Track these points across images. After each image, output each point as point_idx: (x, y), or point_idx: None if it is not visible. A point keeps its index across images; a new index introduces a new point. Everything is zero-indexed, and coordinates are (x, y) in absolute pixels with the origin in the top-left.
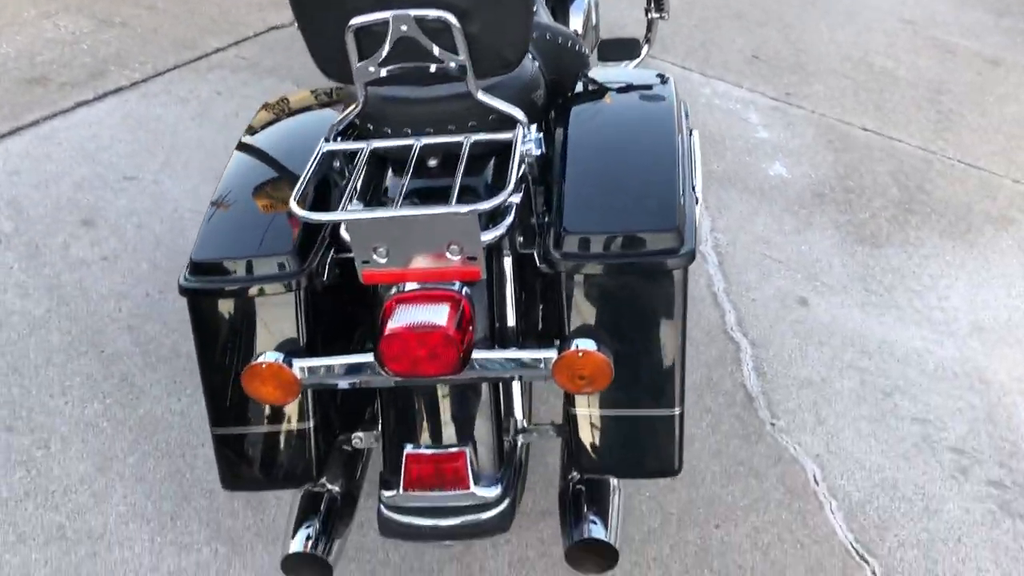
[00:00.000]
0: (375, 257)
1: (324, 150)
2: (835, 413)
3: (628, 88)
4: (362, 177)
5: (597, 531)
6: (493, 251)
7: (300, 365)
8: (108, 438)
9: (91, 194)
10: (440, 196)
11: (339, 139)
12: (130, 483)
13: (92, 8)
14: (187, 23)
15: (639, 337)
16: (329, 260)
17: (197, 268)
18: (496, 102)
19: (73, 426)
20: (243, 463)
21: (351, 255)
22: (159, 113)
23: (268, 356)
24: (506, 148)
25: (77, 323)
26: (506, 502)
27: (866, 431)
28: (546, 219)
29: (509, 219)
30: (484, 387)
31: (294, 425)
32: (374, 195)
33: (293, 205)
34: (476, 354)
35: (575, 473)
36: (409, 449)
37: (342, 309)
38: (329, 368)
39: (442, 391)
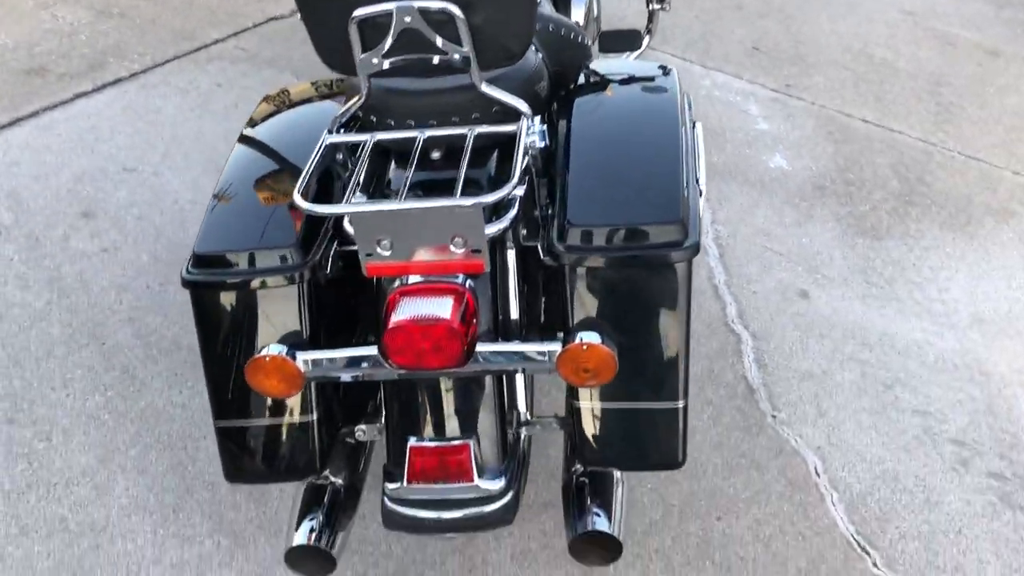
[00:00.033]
0: (379, 250)
1: (327, 142)
2: (836, 405)
3: (631, 80)
4: (365, 169)
5: (601, 523)
6: (496, 244)
7: (304, 358)
8: (110, 430)
9: (91, 186)
10: (443, 188)
11: (342, 131)
12: (132, 475)
13: None
14: (186, 14)
15: (643, 330)
16: (332, 253)
17: (200, 261)
18: (500, 94)
19: (75, 418)
20: (246, 456)
21: (354, 248)
22: (159, 104)
23: (272, 349)
24: (509, 140)
25: (78, 315)
26: (510, 495)
27: (867, 423)
28: (549, 211)
29: (513, 212)
30: (487, 380)
31: (297, 418)
32: (377, 187)
33: (297, 197)
34: (480, 347)
35: (578, 466)
36: (413, 442)
37: (345, 302)
38: (333, 361)
39: (446, 384)
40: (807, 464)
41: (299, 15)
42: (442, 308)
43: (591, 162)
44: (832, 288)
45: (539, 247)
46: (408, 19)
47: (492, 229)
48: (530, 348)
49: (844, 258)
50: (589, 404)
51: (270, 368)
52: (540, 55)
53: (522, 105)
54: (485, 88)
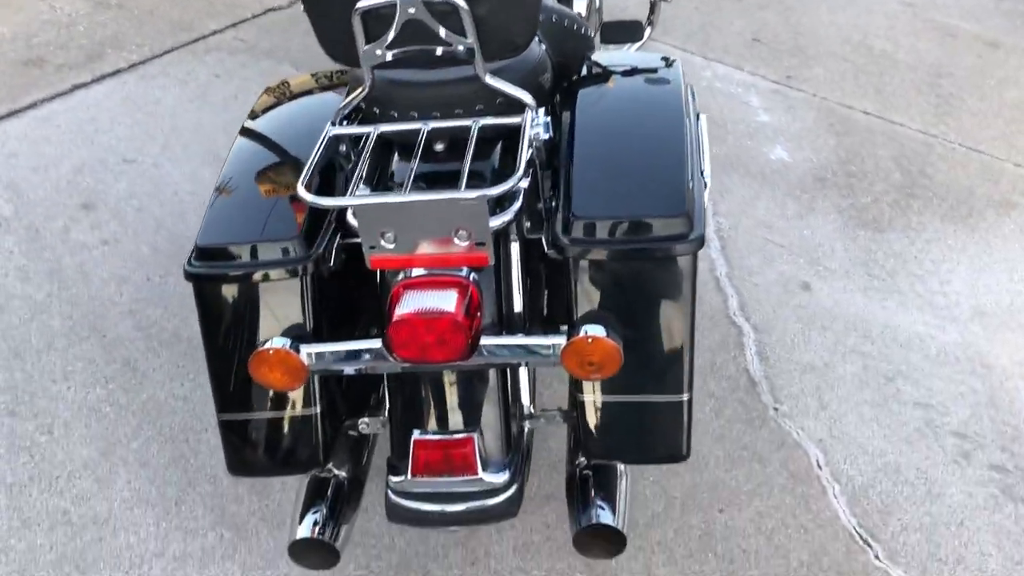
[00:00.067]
0: (383, 243)
1: (331, 134)
2: (838, 398)
3: (634, 71)
4: (368, 162)
5: (605, 516)
6: (500, 236)
7: (307, 351)
8: (111, 423)
9: (90, 177)
10: (447, 181)
11: (345, 123)
12: (134, 468)
13: None
14: (183, 4)
15: (648, 323)
16: (336, 245)
17: (203, 253)
18: (504, 85)
19: (76, 411)
20: (249, 449)
21: (357, 240)
22: (158, 96)
23: (275, 342)
24: (513, 132)
25: (78, 307)
26: (514, 488)
27: (869, 416)
28: (553, 204)
29: (517, 204)
30: (491, 373)
31: (300, 411)
32: (380, 180)
33: (301, 190)
34: (484, 340)
35: (582, 459)
36: (417, 435)
37: (347, 295)
38: (336, 354)
39: (449, 377)
40: (809, 457)
41: (302, 6)
42: (446, 301)
43: (595, 154)
44: (834, 280)
45: (543, 240)
46: (412, 10)
47: (496, 222)
48: (535, 341)
49: (846, 250)
50: (593, 397)
51: (274, 361)
52: (543, 46)
53: (526, 97)
54: (489, 80)
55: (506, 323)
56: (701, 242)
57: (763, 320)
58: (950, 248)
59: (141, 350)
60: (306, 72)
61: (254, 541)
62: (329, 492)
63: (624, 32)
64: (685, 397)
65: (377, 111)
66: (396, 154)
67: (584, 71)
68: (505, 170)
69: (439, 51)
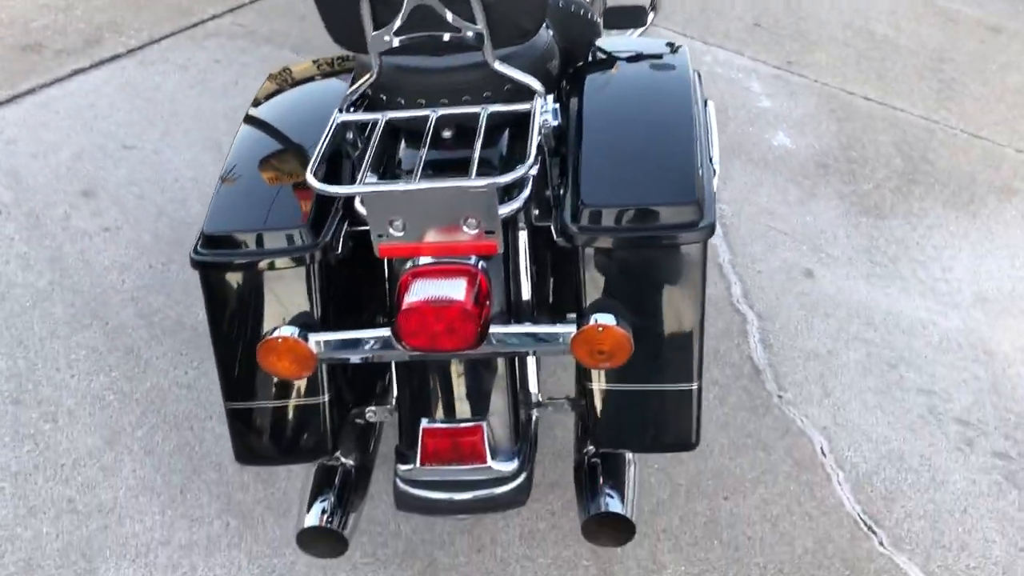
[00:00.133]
0: (391, 231)
1: (338, 121)
2: (841, 385)
3: (641, 57)
4: (376, 149)
5: (614, 505)
6: (508, 224)
7: (316, 339)
8: (115, 411)
9: (90, 164)
10: (454, 168)
11: (352, 110)
12: (139, 456)
13: None
14: None
15: (657, 311)
16: (343, 233)
17: (209, 241)
18: (513, 72)
19: (80, 399)
20: (257, 437)
21: (364, 228)
22: (157, 81)
23: (284, 330)
24: (521, 119)
25: (80, 295)
26: (522, 476)
27: (872, 403)
28: (562, 191)
29: (526, 192)
30: (500, 361)
31: (308, 399)
32: (388, 167)
33: (310, 177)
34: (494, 329)
35: (590, 447)
36: (426, 423)
37: (355, 283)
38: (345, 342)
39: (458, 366)
40: (813, 444)
41: None
42: (456, 290)
43: (604, 141)
44: (836, 267)
45: (552, 227)
46: None
47: (505, 210)
48: (544, 330)
49: (848, 237)
50: (602, 386)
51: (282, 349)
52: (551, 32)
53: (535, 83)
54: (498, 66)
55: (514, 311)
56: (711, 230)
57: (766, 307)
58: (952, 234)
59: (144, 338)
60: (307, 58)
61: (260, 529)
62: (337, 480)
63: (627, 18)
64: (695, 385)
65: (384, 98)
66: (403, 141)
67: (591, 57)
68: (513, 157)
69: (447, 37)
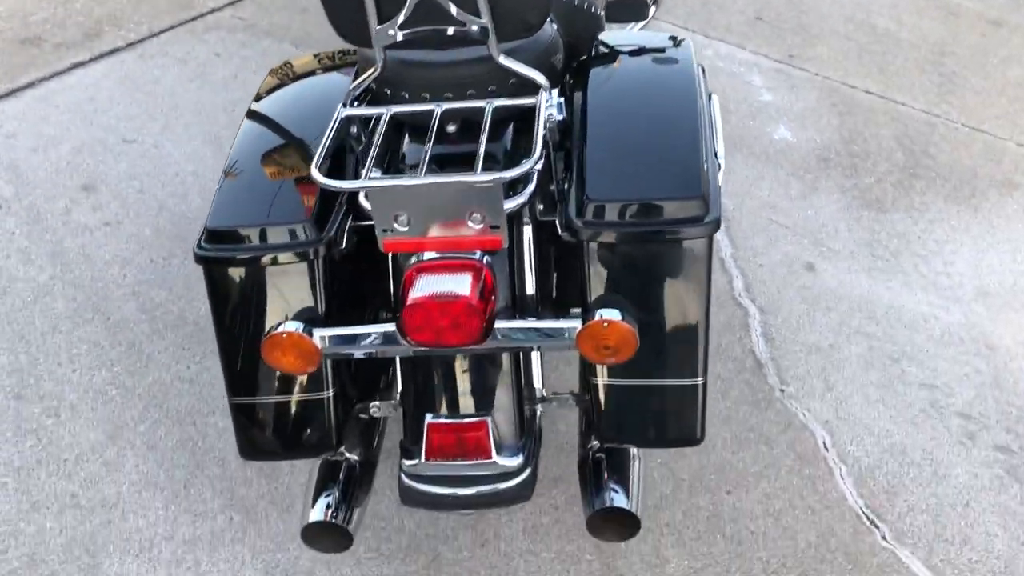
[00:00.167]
0: (396, 226)
1: (343, 115)
2: (843, 379)
3: (645, 51)
4: (380, 143)
5: (619, 500)
6: (513, 219)
7: (320, 334)
8: (118, 406)
9: (91, 158)
10: (458, 163)
11: (356, 104)
12: (142, 451)
13: None
14: None
15: (663, 306)
16: (347, 228)
17: (213, 236)
18: (518, 66)
19: (82, 394)
20: (261, 432)
21: (369, 223)
22: (157, 75)
23: (288, 325)
24: (526, 113)
25: (82, 290)
26: (527, 471)
27: (874, 397)
28: (566, 186)
29: (531, 187)
30: (504, 356)
31: (312, 394)
32: (392, 162)
33: (314, 172)
34: (498, 324)
35: (595, 442)
36: (430, 419)
37: (359, 277)
38: (349, 338)
39: (462, 361)
40: (815, 438)
41: None
42: (461, 285)
43: (609, 135)
44: (838, 261)
45: (557, 222)
46: None
47: (510, 204)
48: (549, 325)
49: (850, 231)
50: (607, 381)
51: (287, 345)
52: (555, 26)
53: (540, 78)
54: (503, 60)
55: (519, 306)
56: (717, 225)
57: (768, 301)
58: (953, 228)
59: (146, 332)
60: (308, 52)
61: (264, 524)
62: (341, 475)
63: (629, 11)
64: (700, 381)
65: (388, 92)
66: (408, 136)
67: (594, 51)
68: (518, 152)
69: (451, 31)
